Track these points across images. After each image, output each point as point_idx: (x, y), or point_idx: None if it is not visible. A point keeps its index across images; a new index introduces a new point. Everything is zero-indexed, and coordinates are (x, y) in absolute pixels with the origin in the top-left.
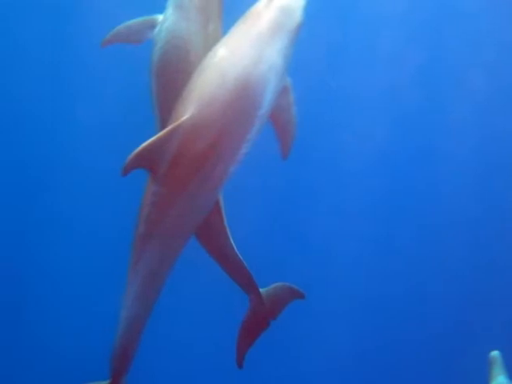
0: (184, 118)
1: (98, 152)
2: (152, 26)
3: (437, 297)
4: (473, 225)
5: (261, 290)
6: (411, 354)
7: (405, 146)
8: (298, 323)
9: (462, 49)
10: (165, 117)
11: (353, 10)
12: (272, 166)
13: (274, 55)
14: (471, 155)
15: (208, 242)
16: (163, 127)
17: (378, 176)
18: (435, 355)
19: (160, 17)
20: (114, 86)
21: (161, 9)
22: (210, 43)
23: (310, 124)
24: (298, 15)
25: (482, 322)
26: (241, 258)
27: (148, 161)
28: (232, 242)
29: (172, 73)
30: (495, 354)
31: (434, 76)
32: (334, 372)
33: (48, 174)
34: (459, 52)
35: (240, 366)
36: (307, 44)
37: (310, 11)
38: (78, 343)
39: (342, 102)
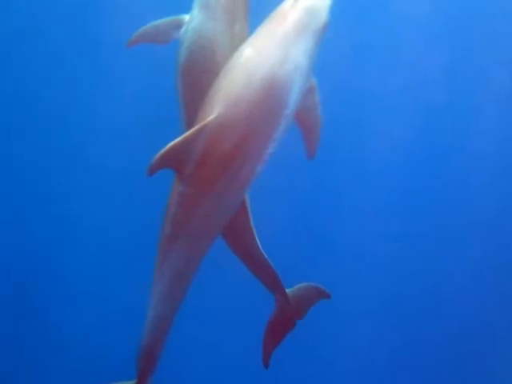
0: (210, 117)
1: (124, 152)
2: (178, 26)
3: (461, 297)
4: (493, 225)
5: (287, 290)
6: (435, 354)
7: (429, 147)
8: (323, 323)
9: (486, 49)
10: (191, 117)
11: (378, 10)
12: (298, 165)
13: (299, 55)
14: (495, 156)
15: (234, 242)
16: (189, 127)
17: (404, 176)
18: (459, 356)
19: (186, 17)
20: (141, 86)
21: (187, 9)
22: (236, 43)
23: (335, 124)
24: (323, 15)
25: (504, 323)
26: (267, 257)
27: (174, 161)
28: (258, 241)
29: (198, 73)
30: None
31: (458, 76)
32: (360, 372)
33: (74, 174)
34: (483, 52)
35: (266, 366)
36: (332, 44)
37: (335, 11)
38: (104, 343)
39: (368, 103)
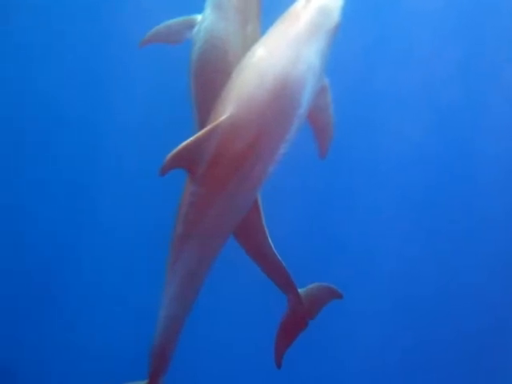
0: (223, 117)
1: (136, 152)
2: (191, 26)
3: (474, 297)
4: (506, 225)
5: (299, 290)
6: (447, 354)
7: (443, 146)
8: (335, 323)
9: (499, 46)
10: (203, 117)
11: (389, 9)
12: (310, 165)
13: (312, 55)
14: (509, 154)
15: (246, 242)
16: (202, 127)
17: (416, 176)
18: (471, 356)
19: (199, 17)
20: (153, 86)
21: (199, 9)
22: (248, 43)
23: (347, 124)
24: (335, 15)
25: None
26: (279, 257)
27: (187, 161)
28: (270, 241)
29: (211, 73)
30: None
31: (472, 74)
32: (372, 372)
33: (87, 174)
34: (496, 49)
35: (278, 365)
36: (345, 44)
37: (347, 11)
38: (116, 343)
39: (379, 102)
